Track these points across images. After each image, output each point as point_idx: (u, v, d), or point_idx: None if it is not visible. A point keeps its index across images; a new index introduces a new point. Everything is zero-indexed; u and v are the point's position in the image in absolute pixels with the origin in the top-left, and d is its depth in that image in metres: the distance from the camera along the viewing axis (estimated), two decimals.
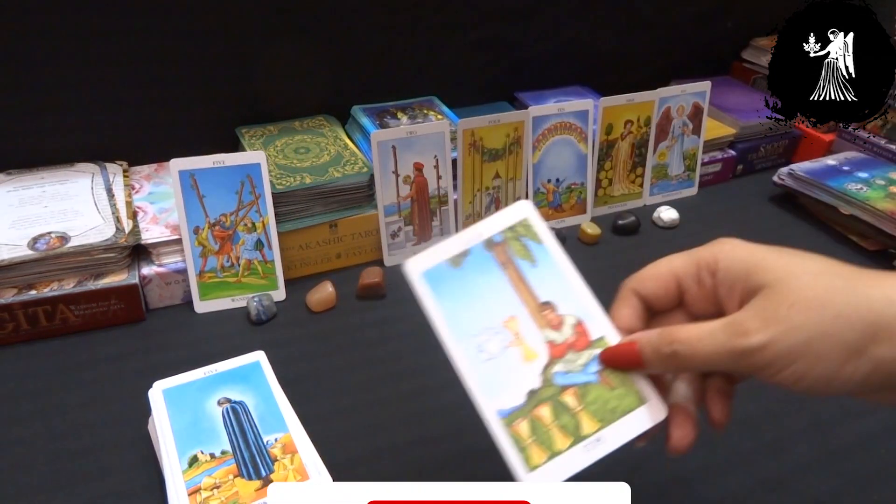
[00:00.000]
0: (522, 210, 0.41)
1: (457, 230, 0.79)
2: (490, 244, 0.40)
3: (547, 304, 0.38)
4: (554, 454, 0.35)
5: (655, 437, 0.56)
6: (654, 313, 0.38)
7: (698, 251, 0.36)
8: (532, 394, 0.36)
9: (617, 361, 0.37)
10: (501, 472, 0.51)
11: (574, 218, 0.86)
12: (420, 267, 0.38)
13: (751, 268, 0.33)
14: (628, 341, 0.36)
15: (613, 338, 0.38)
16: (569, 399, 0.36)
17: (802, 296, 0.31)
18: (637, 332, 0.37)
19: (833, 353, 0.30)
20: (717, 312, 0.35)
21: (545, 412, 0.36)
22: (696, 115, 0.91)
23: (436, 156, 0.76)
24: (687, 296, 0.37)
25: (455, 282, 0.38)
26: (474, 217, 0.80)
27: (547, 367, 0.37)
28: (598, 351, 0.37)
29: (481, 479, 0.51)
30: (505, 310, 0.38)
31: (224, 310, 0.68)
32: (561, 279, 0.39)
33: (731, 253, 0.34)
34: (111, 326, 0.65)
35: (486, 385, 0.36)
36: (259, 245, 0.69)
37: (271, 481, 0.45)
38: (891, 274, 0.31)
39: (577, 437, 0.35)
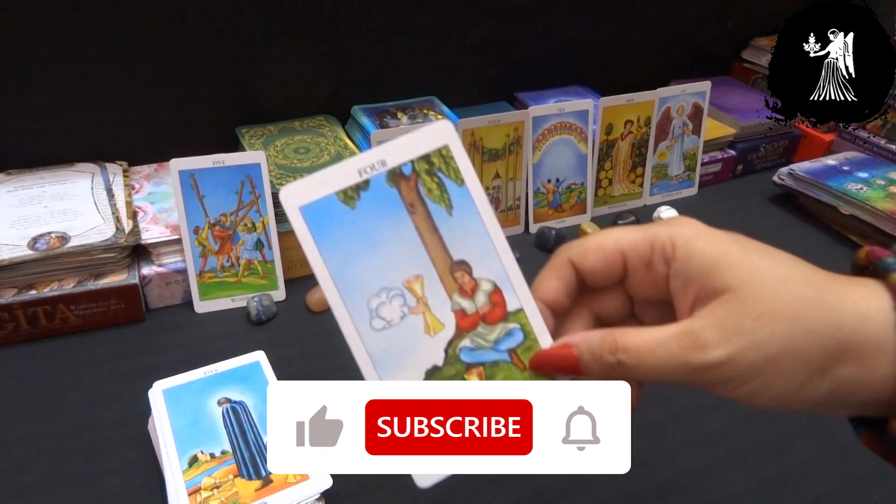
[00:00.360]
0: (442, 133, 0.32)
1: None
2: (395, 177, 0.31)
3: (461, 265, 0.32)
4: None
5: (657, 435, 0.56)
6: (585, 288, 0.34)
7: (654, 230, 0.31)
8: (432, 372, 0.31)
9: (549, 367, 0.32)
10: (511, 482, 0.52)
11: (574, 218, 0.86)
12: (299, 198, 0.29)
13: (713, 265, 0.28)
14: (563, 344, 0.31)
15: (533, 313, 0.32)
16: (474, 380, 0.32)
17: (769, 307, 0.27)
18: (561, 307, 0.33)
19: (796, 372, 0.27)
20: (661, 300, 0.31)
21: None
22: (696, 115, 0.91)
23: None
24: (632, 278, 0.32)
25: (347, 225, 0.30)
26: None
27: (453, 341, 0.31)
28: (512, 325, 0.32)
29: (487, 482, 0.51)
30: (408, 267, 0.31)
31: (224, 310, 0.68)
32: (481, 235, 0.32)
33: (692, 242, 0.29)
34: (111, 326, 0.65)
35: (379, 359, 0.30)
36: (259, 245, 0.69)
37: (271, 481, 0.46)
38: (861, 283, 0.29)
39: None
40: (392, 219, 0.31)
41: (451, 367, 0.31)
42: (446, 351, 0.31)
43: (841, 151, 0.98)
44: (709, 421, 0.58)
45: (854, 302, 0.28)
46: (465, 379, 0.32)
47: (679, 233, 0.30)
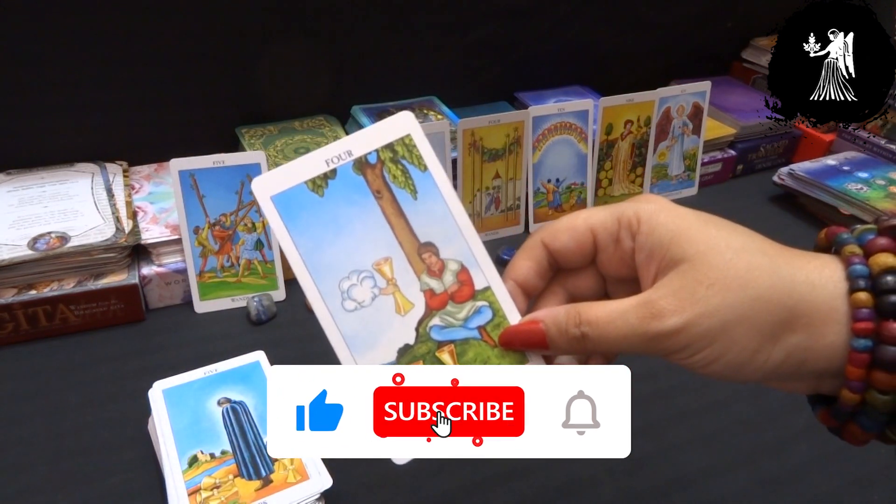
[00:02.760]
0: (404, 124, 0.33)
1: None
2: (361, 166, 0.33)
3: (427, 246, 0.33)
4: None
5: (657, 435, 0.56)
6: (559, 270, 0.35)
7: (620, 207, 0.32)
8: (404, 350, 0.32)
9: (518, 343, 0.33)
10: (510, 472, 0.52)
11: None
12: (270, 188, 0.32)
13: (673, 237, 0.30)
14: (530, 320, 0.32)
15: (501, 291, 0.33)
16: (445, 357, 0.33)
17: (722, 275, 0.28)
18: (534, 288, 0.34)
19: (748, 339, 0.28)
20: (630, 276, 0.33)
21: None
22: (696, 115, 0.91)
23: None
24: (602, 255, 0.33)
25: (316, 212, 0.32)
26: (474, 217, 0.80)
27: (423, 319, 0.33)
28: (481, 303, 0.33)
29: (487, 482, 0.51)
30: (377, 250, 0.32)
31: (224, 310, 0.68)
32: (446, 217, 0.33)
33: (655, 216, 0.31)
34: (111, 326, 0.65)
35: (352, 339, 0.32)
36: (259, 245, 0.69)
37: (271, 481, 0.45)
38: (815, 256, 0.29)
39: None
40: (360, 205, 0.33)
41: (422, 345, 0.32)
42: (417, 329, 0.33)
43: (841, 151, 0.98)
44: (709, 421, 0.58)
45: (806, 271, 0.28)
46: (436, 356, 0.33)
47: (643, 208, 0.31)
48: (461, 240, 0.33)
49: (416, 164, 0.33)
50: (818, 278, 0.28)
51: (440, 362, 0.33)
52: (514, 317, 0.34)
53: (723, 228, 0.30)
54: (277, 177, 0.32)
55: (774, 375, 0.29)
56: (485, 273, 0.34)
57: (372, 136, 0.33)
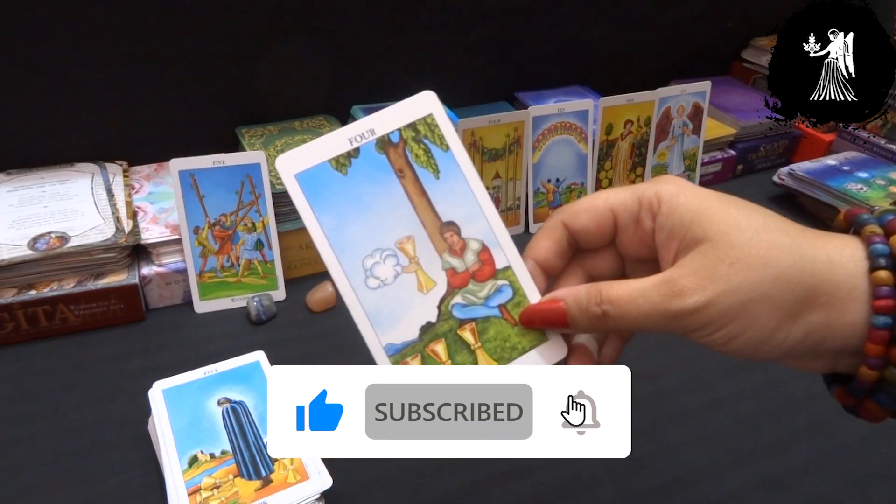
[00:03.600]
0: (426, 103, 0.34)
1: None
2: (384, 144, 0.33)
3: (449, 225, 0.34)
4: None
5: (657, 435, 0.56)
6: (578, 250, 0.35)
7: (641, 188, 0.32)
8: (426, 328, 0.33)
9: (538, 321, 0.33)
10: (510, 472, 0.52)
11: None
12: (294, 166, 0.32)
13: (694, 217, 0.30)
14: (551, 299, 0.33)
15: (521, 270, 0.34)
16: (467, 335, 0.33)
17: (744, 253, 0.28)
18: (553, 268, 0.34)
19: (768, 317, 0.28)
20: (649, 257, 0.33)
21: (440, 349, 0.33)
22: (696, 115, 0.91)
23: None
24: (622, 235, 0.33)
25: (339, 190, 0.32)
26: None
27: (445, 298, 0.33)
28: (501, 282, 0.34)
29: (487, 482, 0.51)
30: (400, 228, 0.33)
31: (224, 310, 0.68)
32: (467, 196, 0.34)
33: (676, 197, 0.31)
34: (111, 326, 0.65)
35: (375, 316, 0.32)
36: (259, 245, 0.69)
37: (271, 481, 0.46)
38: (836, 236, 0.30)
39: None
40: (382, 184, 0.33)
41: (444, 323, 0.33)
42: (439, 308, 0.33)
43: (841, 151, 0.98)
44: (709, 421, 0.58)
45: (827, 250, 0.29)
46: (458, 334, 0.33)
47: (664, 189, 0.31)
48: (482, 219, 0.34)
49: (438, 143, 0.34)
50: (839, 257, 0.28)
51: (462, 340, 0.33)
52: (534, 296, 0.34)
53: (743, 208, 0.30)
54: (301, 155, 0.32)
55: (793, 353, 0.29)
56: (506, 252, 0.34)
57: (394, 115, 0.33)
